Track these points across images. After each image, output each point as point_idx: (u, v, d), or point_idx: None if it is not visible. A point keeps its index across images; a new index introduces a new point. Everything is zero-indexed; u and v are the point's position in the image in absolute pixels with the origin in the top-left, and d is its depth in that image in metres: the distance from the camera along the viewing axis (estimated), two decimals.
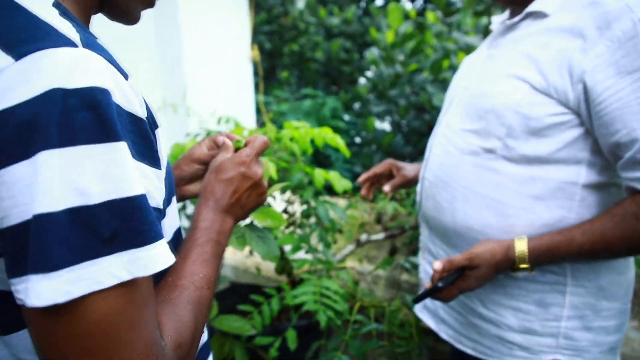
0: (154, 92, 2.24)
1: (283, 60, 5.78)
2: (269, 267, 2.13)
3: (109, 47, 0.55)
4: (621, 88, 0.82)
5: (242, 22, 2.68)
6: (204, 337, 0.70)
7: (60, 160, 0.40)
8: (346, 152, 1.53)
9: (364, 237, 1.99)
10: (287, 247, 1.67)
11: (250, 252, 1.73)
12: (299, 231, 1.70)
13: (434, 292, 0.96)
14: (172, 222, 0.61)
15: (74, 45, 0.44)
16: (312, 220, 1.63)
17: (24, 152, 0.40)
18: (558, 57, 0.88)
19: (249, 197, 0.70)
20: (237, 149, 0.73)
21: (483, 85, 1.02)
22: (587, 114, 0.87)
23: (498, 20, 1.13)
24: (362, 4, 6.31)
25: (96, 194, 0.41)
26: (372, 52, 3.34)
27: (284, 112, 3.96)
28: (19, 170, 0.40)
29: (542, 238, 0.91)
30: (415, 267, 1.73)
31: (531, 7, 0.99)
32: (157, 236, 0.46)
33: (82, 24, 0.52)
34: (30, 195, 0.40)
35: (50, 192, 0.40)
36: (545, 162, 0.93)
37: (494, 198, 0.98)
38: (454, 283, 0.95)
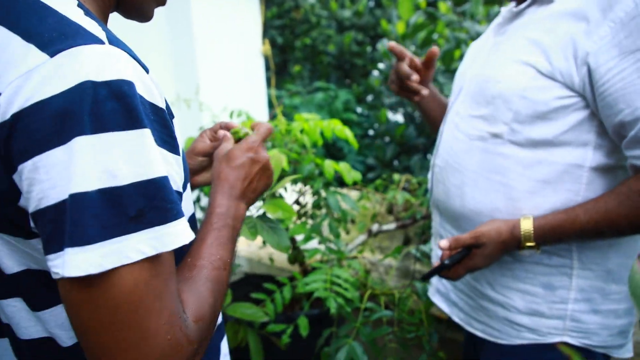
0: (167, 87, 2.27)
1: (295, 54, 5.79)
2: (282, 257, 2.17)
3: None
4: (624, 68, 0.83)
5: (253, 16, 2.70)
6: (219, 319, 0.73)
7: (92, 145, 0.44)
8: (355, 143, 1.55)
9: (375, 227, 2.01)
10: (300, 237, 1.70)
11: (264, 243, 1.76)
12: (310, 221, 1.72)
13: (441, 270, 0.98)
14: (187, 207, 0.64)
15: (101, 42, 0.48)
16: (324, 211, 1.66)
17: (61, 138, 0.44)
18: (563, 41, 0.89)
19: (260, 180, 0.74)
20: (237, 139, 0.77)
21: (490, 71, 1.03)
22: (591, 96, 0.88)
23: (506, 8, 1.13)
24: None
25: (124, 176, 0.46)
26: (384, 44, 3.34)
27: (296, 105, 3.98)
28: (55, 155, 0.45)
29: (547, 217, 0.92)
30: (426, 256, 1.74)
31: None
32: (178, 214, 0.49)
33: (102, 23, 0.55)
34: (67, 177, 0.44)
35: (84, 174, 0.44)
36: (551, 145, 0.94)
37: (501, 182, 0.99)
38: (461, 262, 0.97)
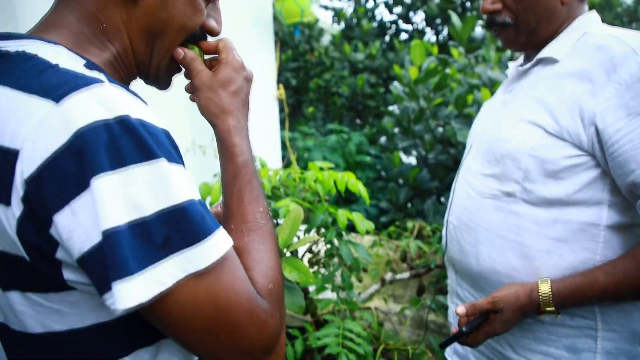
0: (183, 134, 2.31)
1: (308, 95, 5.89)
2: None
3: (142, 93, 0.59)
4: (632, 129, 0.83)
5: (269, 63, 2.77)
6: None
7: (114, 181, 0.45)
8: (367, 199, 1.55)
9: (388, 276, 1.98)
10: (312, 287, 1.68)
11: None
12: (323, 270, 1.71)
13: (459, 337, 0.96)
14: None
15: (101, 82, 0.49)
16: (336, 259, 1.64)
17: (85, 179, 0.45)
18: (569, 101, 0.90)
19: (247, 93, 0.71)
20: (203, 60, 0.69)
21: (499, 130, 1.03)
22: (601, 155, 0.88)
23: (513, 65, 1.15)
24: (386, 39, 6.42)
25: (148, 207, 0.47)
26: (396, 88, 3.38)
27: (309, 147, 4.01)
28: (86, 196, 0.45)
29: (565, 280, 0.90)
30: (442, 307, 1.71)
31: (542, 54, 1.01)
32: (207, 231, 0.50)
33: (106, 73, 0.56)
34: (98, 216, 0.45)
35: (112, 210, 0.46)
36: (565, 204, 0.93)
37: (517, 241, 0.97)
38: (480, 327, 0.94)
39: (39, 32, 0.59)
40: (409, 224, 1.98)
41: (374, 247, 2.08)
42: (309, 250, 1.76)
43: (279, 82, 2.90)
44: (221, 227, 0.53)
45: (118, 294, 0.45)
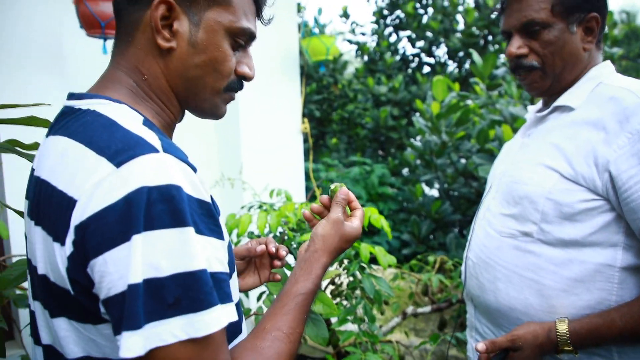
0: (213, 168, 2.41)
1: (332, 127, 6.00)
2: None
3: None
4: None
5: (294, 97, 2.87)
6: None
7: (142, 241, 0.52)
8: (389, 233, 1.59)
9: (410, 309, 2.00)
10: (334, 319, 1.71)
11: None
12: (345, 302, 1.74)
13: None
14: (233, 292, 0.70)
15: (156, 150, 0.56)
16: (358, 292, 1.68)
17: (124, 236, 0.52)
18: (584, 148, 0.94)
19: (339, 240, 0.79)
20: (332, 195, 0.83)
21: (517, 172, 1.08)
22: (616, 199, 0.91)
23: (532, 109, 1.20)
24: (409, 71, 6.52)
25: (165, 268, 0.52)
26: (418, 122, 3.44)
27: (332, 179, 4.08)
28: (120, 251, 0.52)
29: (583, 320, 0.93)
30: (463, 342, 1.71)
31: (558, 102, 1.06)
32: (212, 303, 0.55)
33: (165, 134, 0.64)
34: (127, 270, 0.51)
35: (136, 266, 0.51)
36: (581, 245, 0.96)
37: (534, 279, 1.01)
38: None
39: (100, 89, 0.68)
40: (431, 258, 2.00)
41: (395, 280, 2.10)
42: (332, 282, 1.80)
43: (303, 115, 2.99)
44: (223, 305, 0.57)
45: (123, 342, 0.51)
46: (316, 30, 3.11)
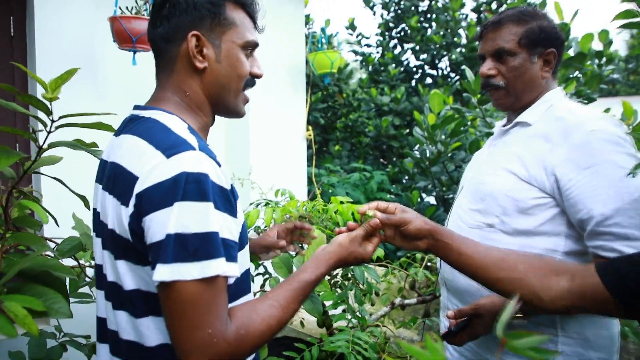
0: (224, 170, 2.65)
1: (335, 134, 6.23)
2: (311, 322, 2.38)
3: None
4: (579, 179, 1.10)
5: (300, 106, 3.11)
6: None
7: (178, 207, 0.76)
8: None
9: (397, 300, 2.22)
10: (328, 303, 1.94)
11: None
12: (339, 291, 1.96)
13: (448, 337, 1.21)
14: (243, 262, 0.93)
15: (194, 149, 0.81)
16: (351, 281, 1.90)
17: (168, 203, 0.77)
18: (536, 156, 1.18)
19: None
20: (367, 219, 1.02)
21: (484, 175, 1.31)
22: (559, 197, 1.14)
23: (498, 124, 1.44)
24: (412, 82, 6.75)
25: (190, 227, 0.76)
26: (416, 132, 3.67)
27: (333, 183, 4.31)
28: (164, 212, 0.77)
29: None
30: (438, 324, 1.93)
31: (519, 119, 1.30)
32: (219, 256, 0.78)
33: (201, 136, 0.88)
34: (166, 224, 0.76)
35: (172, 223, 0.76)
36: (532, 234, 1.19)
37: None
38: (465, 330, 1.20)
39: (155, 103, 0.93)
40: (418, 256, 2.23)
41: (386, 275, 2.33)
42: (329, 274, 2.03)
43: (308, 122, 3.23)
44: (228, 262, 0.79)
45: (157, 270, 0.75)
46: (323, 42, 3.35)
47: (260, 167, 2.68)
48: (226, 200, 0.82)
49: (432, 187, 4.01)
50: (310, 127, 3.15)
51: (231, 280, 0.83)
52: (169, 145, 0.81)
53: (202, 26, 0.92)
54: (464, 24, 6.18)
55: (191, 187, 0.77)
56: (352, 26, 6.69)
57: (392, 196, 4.63)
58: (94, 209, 0.98)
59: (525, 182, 1.19)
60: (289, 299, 0.89)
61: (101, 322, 0.95)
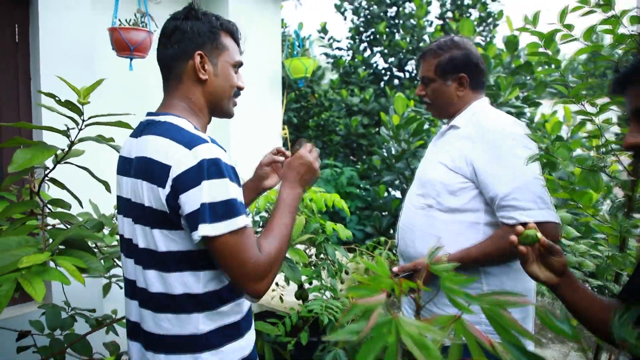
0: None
1: (308, 133, 6.54)
2: (289, 299, 2.69)
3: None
4: (489, 168, 1.46)
5: (276, 108, 3.40)
6: (248, 308, 1.28)
7: (206, 184, 1.06)
8: (348, 212, 2.15)
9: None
10: (304, 277, 2.25)
11: (277, 284, 2.31)
12: (314, 268, 2.28)
13: None
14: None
15: (207, 142, 1.11)
16: (324, 259, 2.22)
17: (197, 182, 1.06)
18: (461, 151, 1.53)
19: (307, 174, 1.31)
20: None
21: (426, 167, 1.66)
22: (477, 181, 1.49)
23: (443, 127, 1.78)
24: (381, 84, 7.11)
25: (217, 197, 1.06)
26: (383, 131, 4.02)
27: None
28: (194, 191, 1.06)
29: (455, 253, 1.50)
30: None
31: (451, 123, 1.65)
32: (240, 214, 1.08)
33: (203, 132, 1.19)
34: (200, 197, 1.05)
35: (205, 195, 1.06)
36: (460, 211, 1.53)
37: (435, 235, 1.57)
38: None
39: (166, 109, 1.23)
40: (382, 239, 2.56)
41: (355, 257, 2.66)
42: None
43: (284, 122, 3.53)
44: (245, 216, 1.10)
45: (200, 228, 1.04)
46: (297, 44, 3.65)
47: (240, 162, 2.96)
48: (235, 176, 1.13)
49: (398, 182, 4.37)
50: (285, 127, 3.45)
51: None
52: (188, 140, 1.10)
53: (204, 48, 1.23)
54: (430, 29, 6.57)
55: (212, 169, 1.06)
56: (324, 30, 7.00)
57: (361, 191, 4.98)
58: (120, 196, 1.26)
59: (453, 171, 1.54)
60: (288, 221, 1.22)
61: (130, 282, 1.24)
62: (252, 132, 3.14)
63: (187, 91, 1.24)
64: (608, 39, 1.33)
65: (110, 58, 2.42)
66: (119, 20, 2.26)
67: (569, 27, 1.30)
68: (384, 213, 4.31)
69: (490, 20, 6.50)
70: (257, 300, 1.15)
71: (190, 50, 1.22)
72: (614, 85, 0.93)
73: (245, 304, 1.26)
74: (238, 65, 1.30)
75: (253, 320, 1.33)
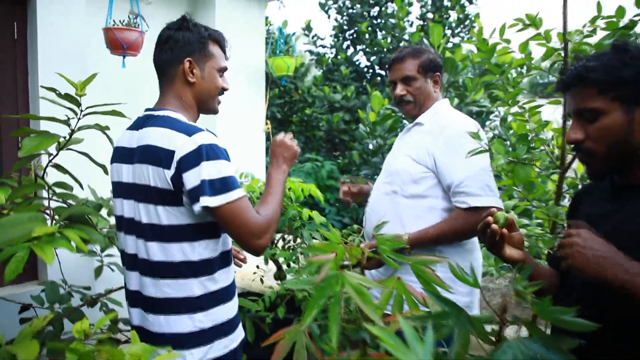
0: None
1: (291, 128, 6.75)
2: (269, 279, 2.91)
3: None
4: (446, 159, 1.70)
5: (260, 104, 3.60)
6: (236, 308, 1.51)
7: (205, 164, 1.27)
8: (321, 199, 2.37)
9: None
10: (281, 259, 2.47)
11: (257, 267, 2.53)
12: (292, 251, 2.50)
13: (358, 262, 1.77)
14: None
15: (203, 130, 1.33)
16: (300, 242, 2.44)
17: (196, 163, 1.27)
18: (424, 145, 1.75)
19: (286, 153, 1.53)
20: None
21: (393, 159, 1.88)
22: (436, 171, 1.72)
23: (408, 125, 2.01)
24: (364, 82, 7.33)
25: (215, 175, 1.28)
26: (361, 127, 4.25)
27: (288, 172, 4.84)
28: (195, 170, 1.28)
29: (415, 233, 1.72)
30: None
31: (417, 120, 1.87)
32: (237, 187, 1.30)
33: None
34: (200, 175, 1.27)
35: (204, 174, 1.27)
36: (421, 197, 1.76)
37: (399, 217, 1.80)
38: (371, 258, 1.75)
39: (163, 105, 1.44)
40: (355, 227, 2.79)
41: None
42: (283, 239, 2.56)
43: (267, 117, 3.73)
44: (241, 189, 1.33)
45: (202, 200, 1.25)
46: (281, 42, 3.85)
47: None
48: (228, 156, 1.35)
49: (375, 176, 4.61)
50: (268, 122, 3.65)
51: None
52: (187, 130, 1.31)
53: (193, 55, 1.45)
54: (411, 29, 6.81)
55: (209, 152, 1.28)
56: (308, 28, 7.20)
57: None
58: (119, 182, 1.46)
59: (416, 162, 1.77)
60: (279, 191, 1.46)
61: (130, 256, 1.44)
62: (236, 126, 3.34)
63: (179, 91, 1.44)
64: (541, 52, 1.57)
65: (104, 55, 2.60)
66: (113, 20, 2.44)
67: (507, 41, 1.53)
68: (361, 204, 4.55)
69: (467, 22, 6.77)
70: (260, 254, 1.38)
71: (181, 57, 1.43)
72: (558, 85, 1.12)
73: (231, 273, 1.47)
74: (223, 70, 1.51)
75: (236, 291, 1.55)
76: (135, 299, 1.44)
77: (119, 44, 2.44)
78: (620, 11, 1.38)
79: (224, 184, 1.29)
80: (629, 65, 1.00)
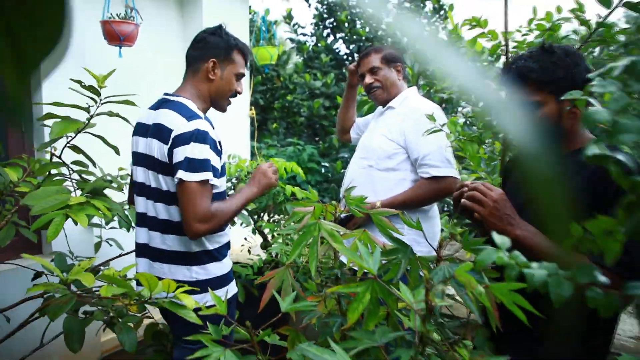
0: None
1: (274, 114, 6.99)
2: (256, 250, 3.19)
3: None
4: (413, 138, 1.99)
5: (244, 91, 3.84)
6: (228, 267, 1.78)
7: (192, 145, 1.56)
8: (302, 175, 2.65)
9: None
10: (267, 231, 2.75)
11: (245, 239, 2.81)
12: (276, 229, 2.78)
13: (341, 224, 2.06)
14: (222, 184, 1.72)
15: (201, 118, 1.61)
16: (284, 215, 2.72)
17: (187, 142, 1.56)
18: (396, 125, 2.05)
19: (261, 180, 1.79)
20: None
21: (369, 137, 2.18)
22: (406, 148, 2.02)
23: (380, 109, 2.30)
24: (343, 70, 7.58)
25: (197, 155, 1.57)
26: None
27: (271, 155, 5.10)
28: (183, 147, 1.57)
29: (386, 199, 2.02)
30: None
31: (389, 104, 2.16)
32: (209, 171, 1.58)
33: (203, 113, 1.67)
34: (185, 152, 1.57)
35: (188, 151, 1.55)
36: (393, 170, 2.06)
37: (373, 189, 2.10)
38: (351, 219, 2.04)
39: (180, 92, 1.71)
40: (335, 203, 3.09)
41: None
42: (268, 214, 2.83)
43: (251, 103, 3.97)
44: (210, 174, 1.59)
45: (178, 173, 1.54)
46: (264, 30, 4.07)
47: None
48: (215, 146, 1.61)
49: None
50: (252, 107, 3.89)
51: (215, 190, 1.61)
52: (189, 115, 1.58)
53: (218, 57, 1.71)
54: (388, 19, 7.05)
55: (199, 136, 1.55)
56: (289, 17, 7.40)
57: (320, 167, 5.49)
58: (136, 152, 1.73)
59: (390, 140, 2.06)
60: (240, 203, 1.71)
61: (140, 214, 1.72)
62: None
63: (198, 84, 1.71)
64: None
65: (101, 45, 2.81)
66: (111, 14, 2.65)
67: (459, 36, 1.82)
68: (340, 185, 4.86)
69: (442, 12, 7.05)
70: (193, 238, 1.59)
71: (208, 56, 1.70)
72: (501, 82, 1.38)
73: (224, 237, 1.75)
74: (240, 76, 1.78)
75: (229, 254, 1.83)
76: (143, 250, 1.71)
77: (116, 35, 2.65)
78: (549, 15, 1.68)
79: (200, 165, 1.53)
80: (559, 66, 1.23)
